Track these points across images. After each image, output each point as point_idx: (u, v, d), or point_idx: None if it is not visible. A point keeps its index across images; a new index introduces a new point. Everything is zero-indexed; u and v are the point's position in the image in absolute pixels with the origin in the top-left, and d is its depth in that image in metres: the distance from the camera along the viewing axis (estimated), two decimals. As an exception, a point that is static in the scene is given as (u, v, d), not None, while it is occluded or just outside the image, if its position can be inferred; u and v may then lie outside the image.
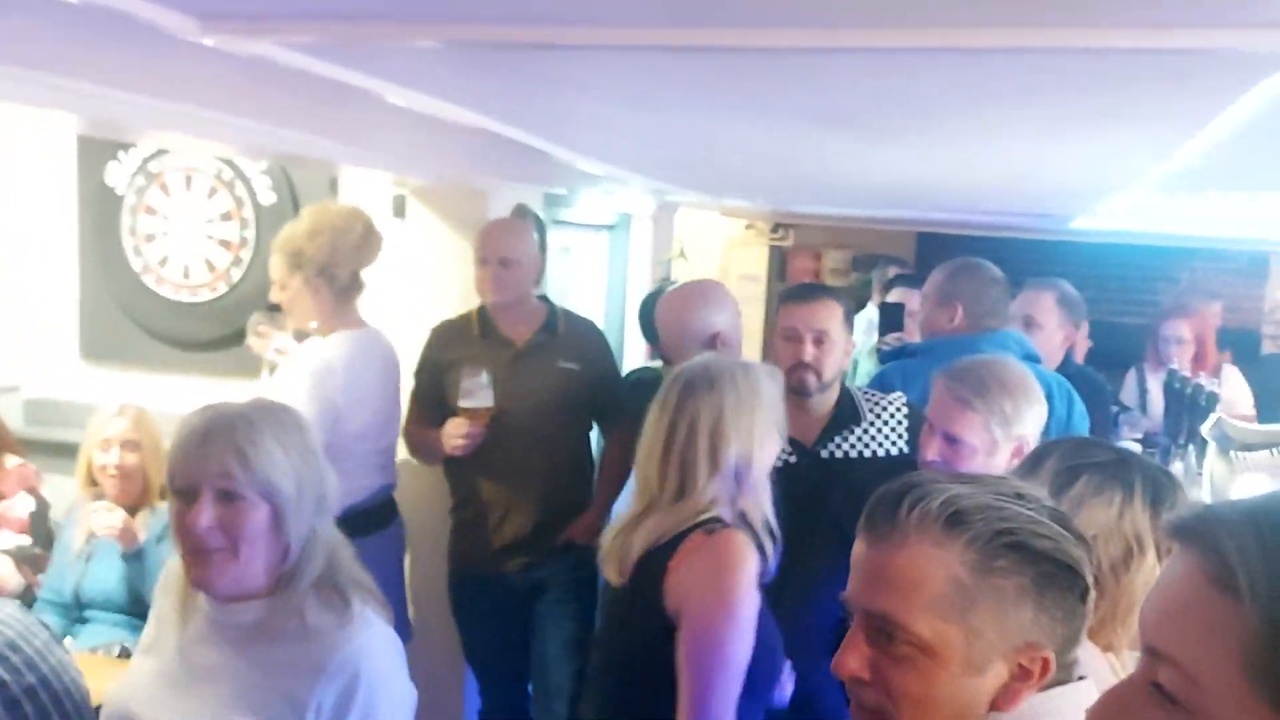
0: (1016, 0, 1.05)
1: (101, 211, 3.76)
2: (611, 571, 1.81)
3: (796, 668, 1.94)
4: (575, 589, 2.95)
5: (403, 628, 2.97)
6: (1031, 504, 0.99)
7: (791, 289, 2.52)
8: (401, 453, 3.07)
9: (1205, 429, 2.85)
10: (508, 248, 2.93)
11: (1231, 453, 2.74)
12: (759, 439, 1.78)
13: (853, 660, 1.00)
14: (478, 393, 2.72)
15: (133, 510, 2.75)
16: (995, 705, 0.97)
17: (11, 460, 3.02)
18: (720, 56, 1.38)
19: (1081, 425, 2.83)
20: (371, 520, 2.82)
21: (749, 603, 1.70)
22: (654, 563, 1.73)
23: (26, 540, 2.89)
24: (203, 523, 1.43)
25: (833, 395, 2.39)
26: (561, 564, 2.94)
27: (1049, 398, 2.68)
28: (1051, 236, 5.71)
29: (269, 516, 1.45)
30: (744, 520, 1.77)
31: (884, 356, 3.20)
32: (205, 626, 1.53)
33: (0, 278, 3.84)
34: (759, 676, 1.74)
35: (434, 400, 2.93)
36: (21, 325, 3.89)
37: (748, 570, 1.70)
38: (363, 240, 2.76)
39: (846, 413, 2.38)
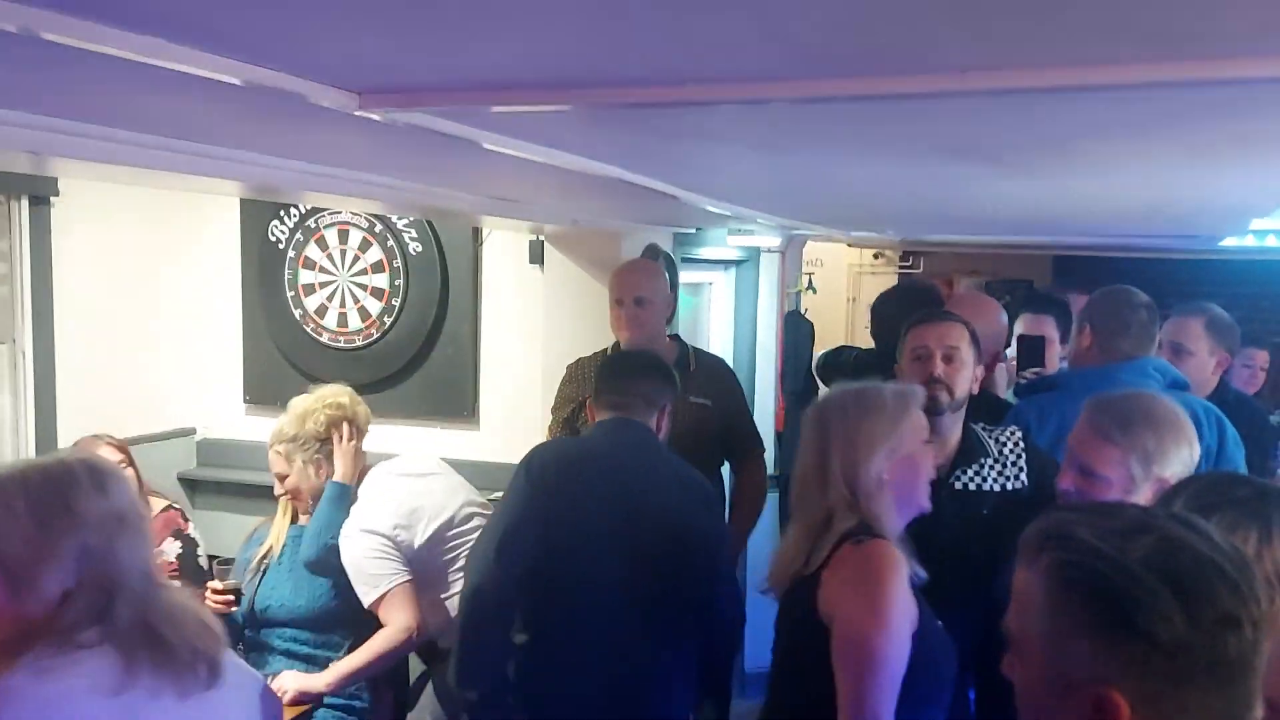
0: (1151, 36, 1.05)
1: (264, 265, 4.02)
2: (773, 584, 1.93)
3: None
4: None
5: None
6: (1139, 542, 0.96)
7: (919, 314, 2.52)
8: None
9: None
10: (642, 288, 3.03)
11: None
12: (866, 451, 1.84)
13: (1005, 663, 1.07)
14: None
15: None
16: None
17: (157, 504, 3.15)
18: (849, 105, 1.41)
19: (1236, 456, 2.70)
20: None
21: (899, 608, 1.74)
22: (809, 577, 1.82)
23: (176, 584, 3.03)
24: None
25: (959, 428, 2.38)
26: None
27: (1196, 426, 2.58)
28: (1198, 256, 5.46)
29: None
30: (871, 525, 1.83)
31: (1019, 390, 3.12)
32: None
33: (177, 328, 4.14)
34: (922, 685, 1.77)
35: (571, 434, 3.03)
36: (196, 372, 4.17)
37: (896, 577, 1.75)
38: (354, 407, 2.83)
39: (973, 446, 2.37)
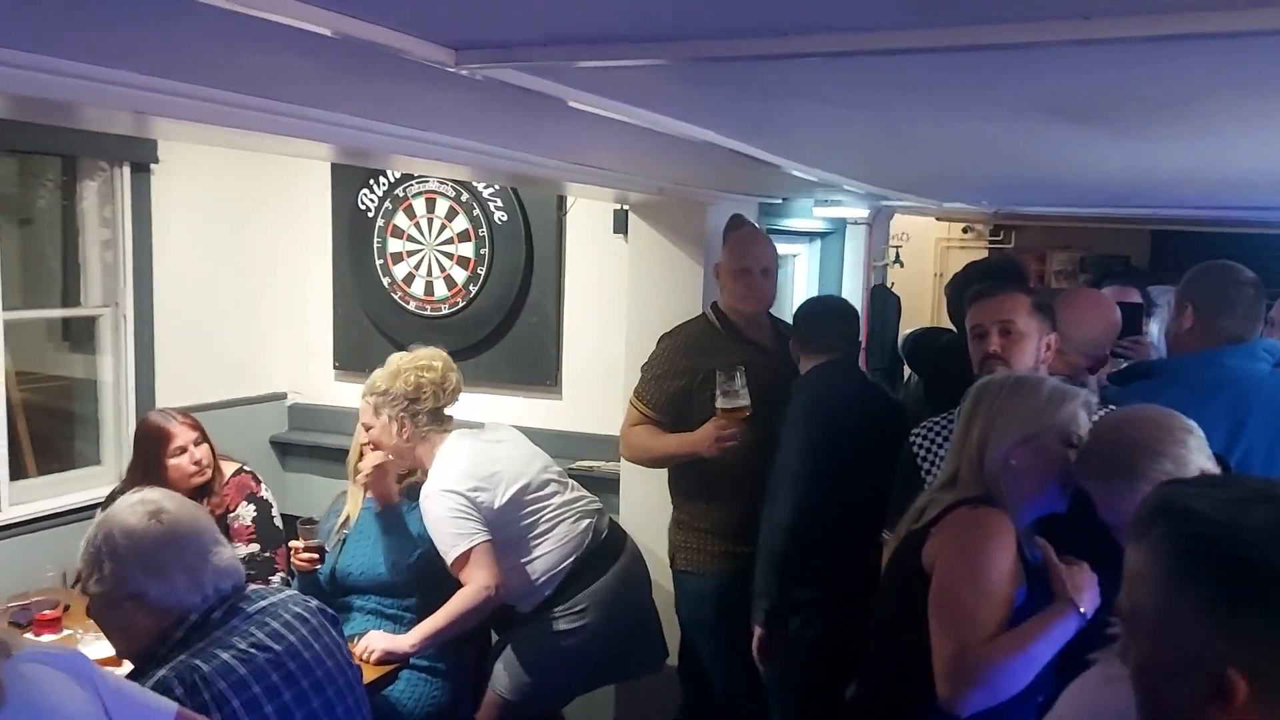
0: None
1: (354, 233, 4.08)
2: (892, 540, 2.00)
3: None
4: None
5: (653, 650, 3.07)
6: (1255, 511, 0.91)
7: (976, 289, 2.42)
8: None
9: None
10: (769, 258, 3.07)
11: None
12: (1000, 432, 1.87)
13: (1120, 648, 1.03)
14: (740, 392, 2.79)
15: (401, 478, 3.04)
16: None
17: (228, 468, 3.22)
18: (953, 57, 1.35)
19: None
20: (603, 558, 2.94)
21: (998, 571, 1.75)
22: (919, 530, 1.88)
23: (255, 547, 3.10)
24: None
25: None
26: None
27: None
28: (1314, 231, 5.20)
29: None
30: (994, 500, 1.85)
31: (1114, 377, 2.95)
32: None
33: (270, 295, 4.23)
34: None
35: (678, 408, 3.00)
36: (288, 338, 4.27)
37: (1000, 541, 1.77)
38: (443, 376, 2.89)
39: None
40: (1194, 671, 0.91)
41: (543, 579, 2.86)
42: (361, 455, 3.10)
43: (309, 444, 4.15)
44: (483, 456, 2.84)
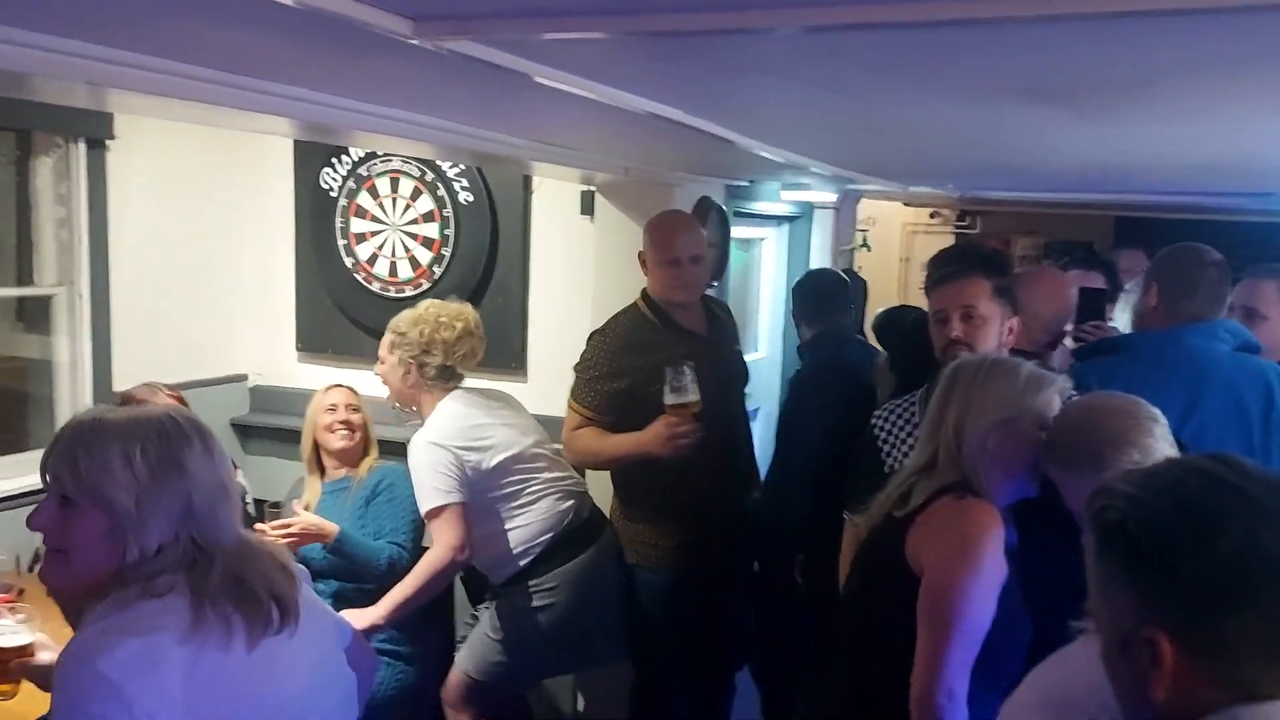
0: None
1: (317, 213, 4.03)
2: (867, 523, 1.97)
3: None
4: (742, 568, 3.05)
5: (619, 640, 3.05)
6: (1161, 478, 0.97)
7: (938, 273, 2.41)
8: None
9: None
10: (698, 245, 2.98)
11: None
12: (976, 417, 1.86)
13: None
14: (688, 388, 2.73)
15: (357, 463, 3.12)
16: (1149, 695, 0.94)
17: None
18: (923, 33, 1.35)
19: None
20: (581, 537, 2.93)
21: (992, 568, 1.75)
22: (902, 520, 1.85)
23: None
24: (36, 521, 1.46)
25: None
26: (738, 543, 3.08)
27: (1269, 391, 2.48)
28: (1268, 218, 5.26)
29: (104, 525, 1.42)
30: (973, 484, 1.84)
31: (1078, 353, 3.00)
32: None
33: (231, 275, 4.17)
34: (1000, 647, 1.76)
35: (621, 408, 2.91)
36: (249, 319, 4.21)
37: (992, 537, 1.76)
38: (459, 339, 2.90)
39: None
40: (1131, 642, 0.95)
41: (519, 550, 2.85)
42: (315, 446, 3.10)
43: (271, 426, 4.09)
44: (479, 419, 2.86)
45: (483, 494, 2.80)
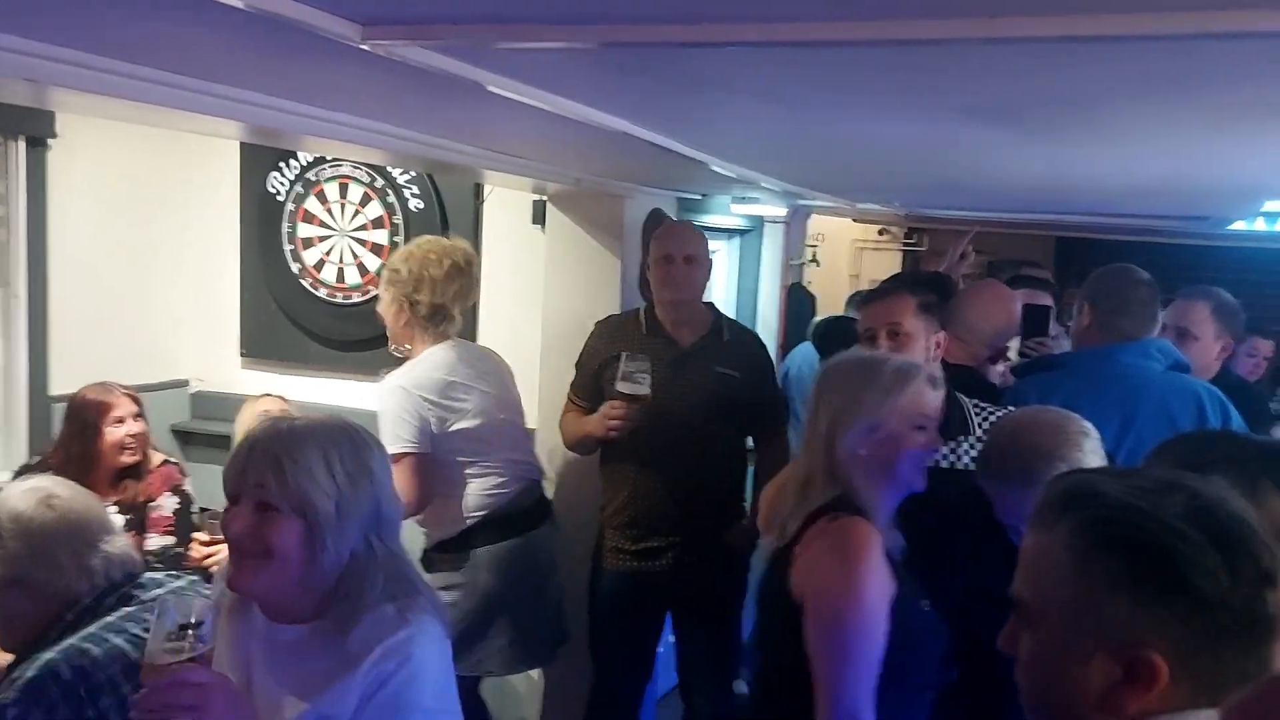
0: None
1: (263, 217, 3.97)
2: (764, 528, 1.93)
3: None
4: (718, 594, 2.94)
5: (556, 626, 3.02)
6: (1172, 498, 0.93)
7: (865, 293, 2.51)
8: (555, 451, 3.13)
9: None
10: (692, 246, 2.99)
11: None
12: (847, 421, 1.79)
13: (1002, 637, 1.04)
14: (637, 378, 2.76)
15: None
16: (1106, 709, 0.92)
17: (156, 458, 3.17)
18: (871, 51, 1.36)
19: (1241, 438, 2.67)
20: (526, 520, 2.90)
21: (874, 587, 1.68)
22: (783, 550, 1.78)
23: (170, 540, 3.04)
24: (235, 527, 1.48)
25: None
26: (707, 568, 2.95)
27: (1201, 409, 2.54)
28: (1204, 242, 5.41)
29: (303, 531, 1.46)
30: (851, 498, 1.77)
31: (1020, 370, 3.07)
32: (261, 649, 1.56)
33: (174, 278, 4.09)
34: (904, 664, 1.71)
35: (592, 391, 2.99)
36: (192, 323, 4.13)
37: (868, 554, 1.69)
38: (447, 276, 2.84)
39: (955, 423, 2.33)
40: (1106, 654, 0.92)
41: (456, 517, 2.83)
42: None
43: (212, 433, 4.01)
44: (459, 377, 2.82)
45: (440, 453, 2.77)
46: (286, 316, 3.99)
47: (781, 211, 4.79)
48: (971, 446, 2.33)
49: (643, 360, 2.78)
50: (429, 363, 2.82)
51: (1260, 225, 4.32)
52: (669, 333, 3.00)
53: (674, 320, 3.01)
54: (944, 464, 2.31)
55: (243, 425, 3.12)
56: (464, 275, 2.89)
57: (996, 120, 1.87)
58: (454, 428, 2.77)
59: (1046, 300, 3.56)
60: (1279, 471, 1.27)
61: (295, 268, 3.95)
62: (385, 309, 2.90)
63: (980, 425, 2.35)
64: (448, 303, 2.86)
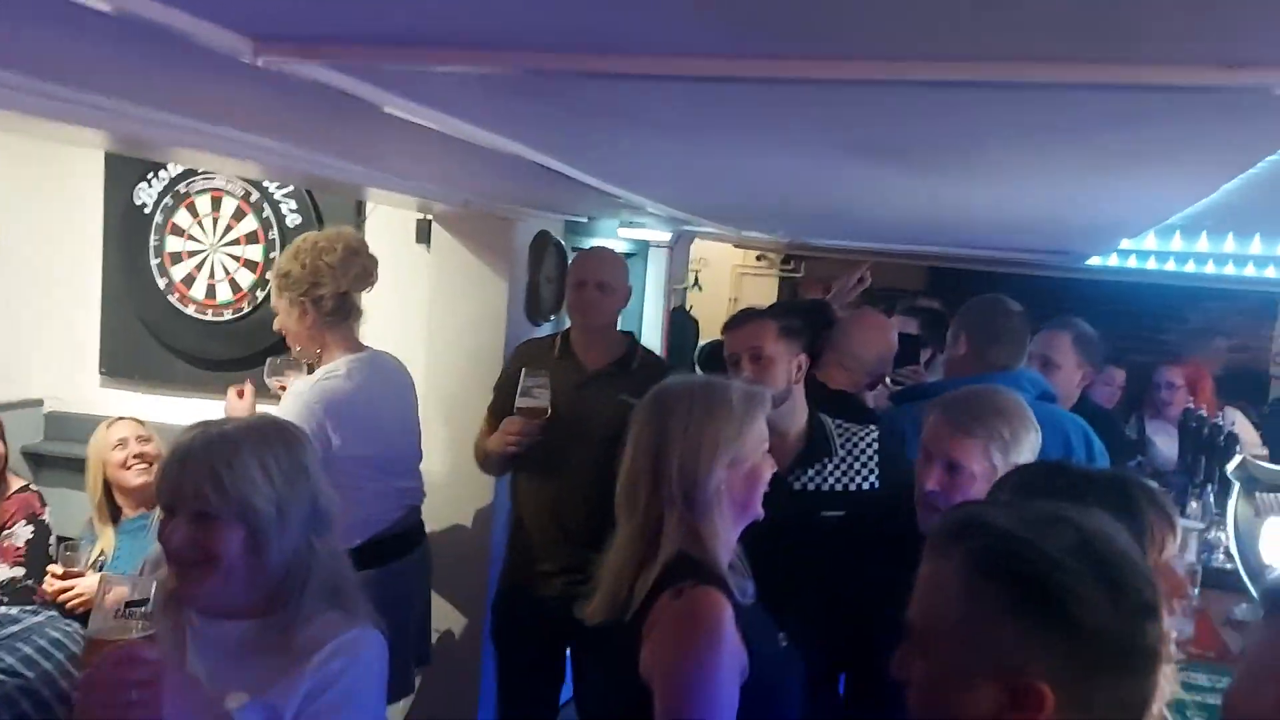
0: (1070, 34, 1.06)
1: (128, 229, 3.78)
2: (596, 613, 1.72)
3: None
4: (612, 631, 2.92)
5: (423, 650, 2.95)
6: (1059, 531, 0.97)
7: (729, 320, 2.55)
8: (437, 474, 3.04)
9: (1230, 470, 2.83)
10: (605, 272, 2.97)
11: (1257, 494, 2.72)
12: (708, 458, 1.66)
13: (895, 662, 1.05)
14: (534, 393, 2.73)
15: (151, 502, 2.85)
16: None
17: (15, 483, 3.01)
18: (757, 87, 1.39)
19: (1103, 465, 2.81)
20: (397, 547, 2.80)
21: (724, 668, 1.57)
22: (628, 626, 1.64)
23: (20, 572, 2.85)
24: (175, 540, 1.47)
25: (800, 421, 2.38)
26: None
27: (1067, 439, 2.67)
28: (1064, 274, 5.70)
29: (245, 536, 1.46)
30: (700, 552, 1.65)
31: (895, 397, 3.17)
32: (195, 643, 1.54)
33: (27, 291, 3.85)
34: (774, 708, 1.69)
35: (506, 411, 2.92)
36: (46, 340, 3.89)
37: (719, 631, 1.58)
38: (344, 261, 2.71)
39: (819, 444, 2.37)
40: (994, 681, 0.94)
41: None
42: (110, 493, 2.89)
43: (67, 456, 3.77)
44: (361, 400, 2.68)
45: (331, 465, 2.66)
46: (151, 334, 3.79)
47: (666, 236, 4.83)
48: (838, 466, 2.37)
49: (541, 375, 2.77)
50: (338, 378, 2.69)
51: (1114, 261, 4.57)
52: (579, 356, 2.99)
53: (585, 344, 3.00)
54: (810, 486, 2.34)
55: (94, 451, 2.95)
56: (360, 256, 2.76)
57: (882, 157, 1.93)
58: (345, 454, 2.64)
59: (913, 328, 3.68)
60: (1110, 501, 1.33)
61: (162, 283, 3.77)
62: (285, 318, 2.73)
63: (841, 446, 2.39)
64: (350, 290, 2.73)
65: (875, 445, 2.41)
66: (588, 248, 3.14)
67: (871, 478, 2.37)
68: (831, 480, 2.35)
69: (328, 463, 2.61)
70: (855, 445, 2.40)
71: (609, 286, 2.96)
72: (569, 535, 2.86)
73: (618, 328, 3.07)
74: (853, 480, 2.36)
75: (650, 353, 3.20)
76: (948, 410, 2.02)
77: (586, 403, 2.88)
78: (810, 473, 2.34)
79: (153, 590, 1.41)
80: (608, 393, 2.89)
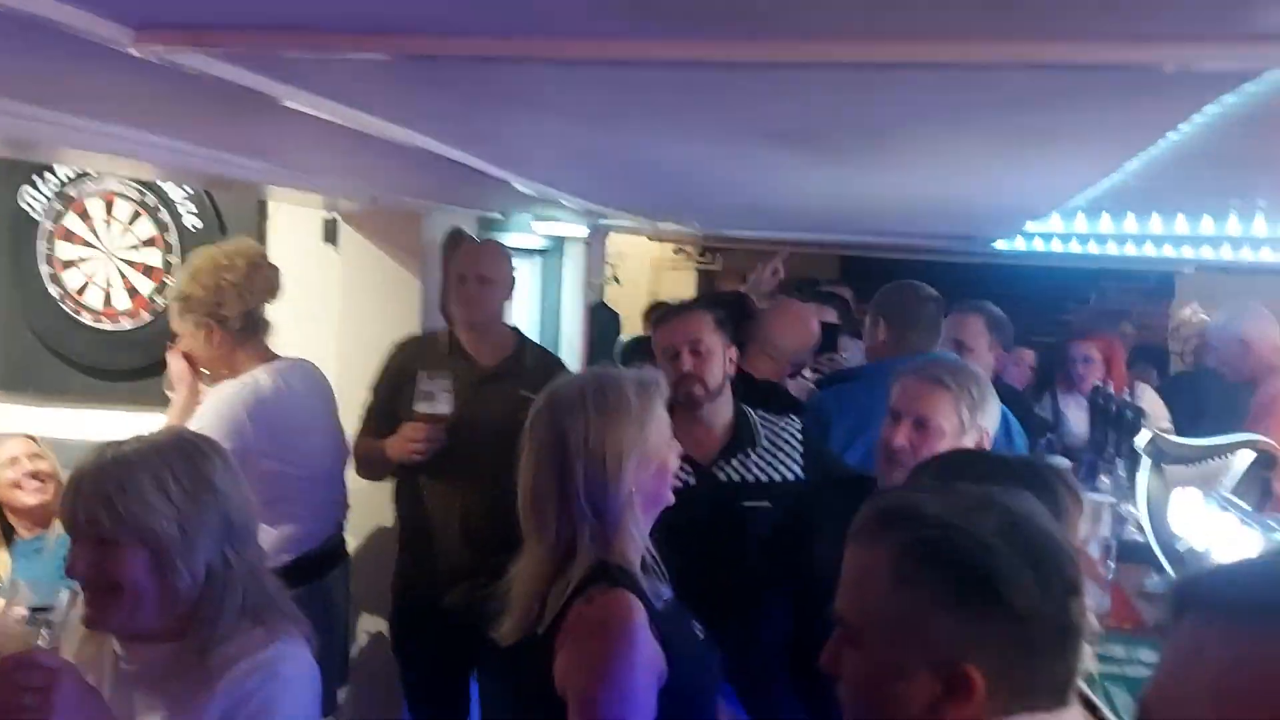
0: (973, 11, 1.05)
1: (16, 236, 3.61)
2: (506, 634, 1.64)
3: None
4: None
5: (342, 668, 2.87)
6: (987, 516, 0.96)
7: (660, 313, 2.55)
8: (351, 483, 2.97)
9: (1139, 444, 2.91)
10: (486, 266, 2.90)
11: (1164, 467, 2.80)
12: (614, 467, 1.58)
13: (824, 655, 1.04)
14: (437, 397, 2.66)
15: (50, 519, 2.75)
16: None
17: None
18: (671, 72, 1.36)
19: (1020, 447, 2.88)
20: (323, 563, 2.72)
21: (637, 666, 1.52)
22: (541, 639, 1.58)
23: None
24: (79, 568, 1.43)
25: (727, 413, 2.39)
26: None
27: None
28: (970, 259, 5.82)
29: (148, 559, 1.42)
30: (614, 558, 1.60)
31: (819, 382, 3.21)
32: (115, 670, 1.50)
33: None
34: (695, 699, 1.66)
35: (389, 412, 2.85)
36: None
37: (629, 632, 1.52)
38: (247, 276, 2.60)
39: (743, 434, 2.38)
40: (928, 670, 0.93)
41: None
42: (1, 514, 2.75)
43: (-42, 477, 3.60)
44: (285, 412, 2.59)
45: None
46: (44, 345, 3.63)
47: (582, 231, 4.80)
48: (761, 456, 2.37)
49: (443, 379, 2.70)
50: (259, 383, 2.58)
51: (1020, 244, 4.67)
52: (470, 354, 2.92)
53: (473, 341, 2.94)
54: (735, 477, 2.34)
55: None
56: (263, 269, 2.66)
57: (792, 144, 1.93)
58: (274, 466, 2.51)
59: (832, 316, 3.72)
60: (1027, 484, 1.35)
61: (55, 291, 3.61)
62: (191, 342, 2.60)
63: (765, 437, 2.40)
64: (256, 306, 2.63)
65: (798, 436, 2.42)
66: (464, 242, 3.06)
67: (796, 468, 2.37)
68: (756, 470, 2.35)
69: (261, 477, 2.52)
70: (778, 435, 2.40)
71: (490, 280, 2.89)
72: (472, 540, 2.80)
73: (504, 322, 3.01)
74: (775, 470, 2.36)
75: (540, 347, 3.16)
76: (919, 370, 2.07)
77: (487, 401, 2.82)
78: (734, 462, 2.33)
79: (63, 601, 1.41)
80: (508, 389, 2.83)
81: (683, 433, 2.23)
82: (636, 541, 1.64)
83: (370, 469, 2.93)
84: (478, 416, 2.78)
